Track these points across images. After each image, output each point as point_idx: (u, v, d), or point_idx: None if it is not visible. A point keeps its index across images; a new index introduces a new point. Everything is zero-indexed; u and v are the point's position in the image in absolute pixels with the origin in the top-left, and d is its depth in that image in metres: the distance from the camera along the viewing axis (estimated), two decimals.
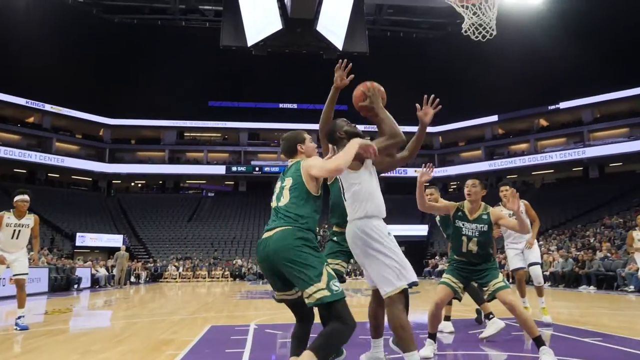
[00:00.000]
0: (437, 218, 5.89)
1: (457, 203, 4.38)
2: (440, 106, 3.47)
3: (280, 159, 42.59)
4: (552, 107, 38.03)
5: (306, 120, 42.48)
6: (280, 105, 44.19)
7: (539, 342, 3.64)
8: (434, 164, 40.14)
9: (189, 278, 26.08)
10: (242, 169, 41.15)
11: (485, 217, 4.21)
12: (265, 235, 2.91)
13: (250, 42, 10.35)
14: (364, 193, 3.10)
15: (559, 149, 37.33)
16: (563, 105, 37.50)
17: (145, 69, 39.13)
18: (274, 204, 3.07)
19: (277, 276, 2.86)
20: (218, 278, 26.32)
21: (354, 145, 3.00)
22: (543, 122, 40.47)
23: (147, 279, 25.30)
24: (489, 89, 37.29)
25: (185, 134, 44.50)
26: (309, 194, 2.96)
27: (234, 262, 27.93)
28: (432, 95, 3.52)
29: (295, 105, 44.31)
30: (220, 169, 41.30)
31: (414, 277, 3.02)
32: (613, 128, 36.01)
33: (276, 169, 40.87)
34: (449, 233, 4.60)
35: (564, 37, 31.95)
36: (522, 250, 6.24)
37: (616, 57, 32.28)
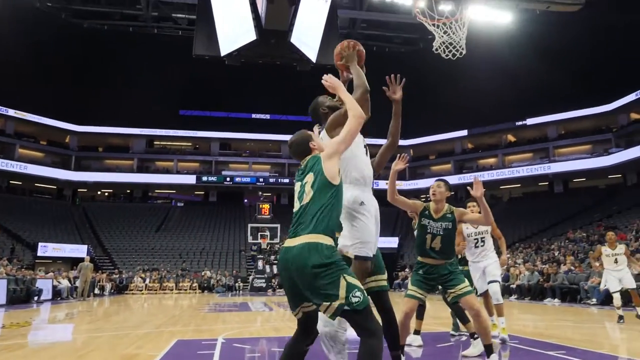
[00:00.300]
0: (414, 225, 5.90)
1: (425, 203, 4.44)
2: (404, 79, 3.67)
3: (251, 169, 42.39)
4: (520, 123, 39.05)
5: (279, 131, 42.83)
6: (253, 116, 44.08)
7: (489, 350, 3.93)
8: (405, 177, 40.84)
9: (156, 290, 25.52)
10: (213, 178, 40.71)
11: (449, 215, 4.29)
12: (288, 243, 2.76)
13: (224, 51, 10.28)
14: None
15: (525, 164, 38.26)
16: (530, 121, 38.55)
17: (116, 75, 38.52)
18: (296, 206, 2.92)
19: (295, 288, 2.72)
20: (186, 290, 25.84)
21: (345, 92, 3.10)
22: (511, 138, 41.47)
23: (112, 290, 24.63)
24: (459, 104, 38.07)
25: (155, 143, 43.82)
26: (331, 186, 2.88)
27: (203, 273, 27.50)
28: (398, 75, 3.74)
29: (268, 116, 44.27)
30: (191, 179, 40.76)
31: None
32: (577, 145, 37.17)
33: (247, 180, 40.62)
34: None
35: (531, 56, 32.96)
36: (483, 269, 6.03)
37: (581, 77, 33.42)
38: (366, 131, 3.38)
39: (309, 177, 2.94)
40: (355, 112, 2.96)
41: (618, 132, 35.05)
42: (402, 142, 42.70)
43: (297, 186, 3.01)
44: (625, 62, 31.66)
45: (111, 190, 42.34)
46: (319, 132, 3.53)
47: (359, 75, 3.43)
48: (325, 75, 3.26)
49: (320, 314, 2.84)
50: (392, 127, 3.74)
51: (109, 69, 38.49)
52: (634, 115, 35.08)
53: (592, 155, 35.49)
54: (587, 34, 29.80)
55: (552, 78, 33.56)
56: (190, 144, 44.53)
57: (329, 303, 2.56)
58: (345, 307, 2.56)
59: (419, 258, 4.36)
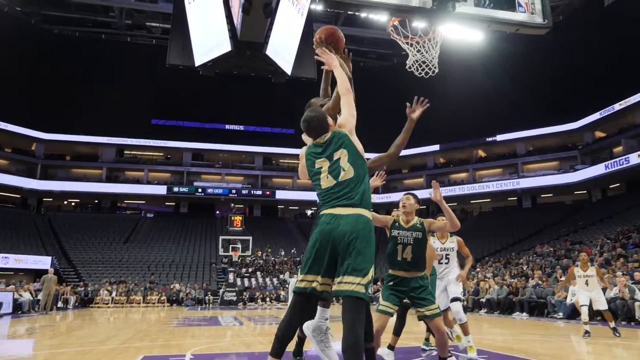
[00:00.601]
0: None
1: (395, 217, 4.51)
2: (428, 104, 3.82)
3: (224, 181, 41.99)
4: (490, 139, 39.86)
5: (253, 143, 42.68)
6: (227, 127, 43.78)
7: None
8: (378, 190, 41.07)
9: (123, 303, 24.86)
10: (184, 189, 40.15)
11: (419, 225, 4.36)
12: (336, 211, 2.83)
13: (198, 62, 10.16)
14: None
15: (495, 179, 39.00)
16: (500, 137, 39.39)
17: (86, 83, 37.79)
18: (331, 182, 2.94)
19: (329, 258, 2.76)
20: (154, 303, 25.25)
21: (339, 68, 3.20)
22: (481, 153, 42.27)
23: (76, 304, 23.88)
24: (432, 119, 38.36)
25: (125, 152, 43.04)
26: (363, 160, 2.99)
27: (172, 286, 26.94)
28: (422, 98, 3.86)
29: (241, 127, 44.04)
30: (161, 189, 40.11)
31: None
32: (544, 161, 38.14)
33: (220, 191, 40.20)
34: None
35: (502, 74, 33.81)
36: (445, 286, 5.99)
37: (549, 95, 34.41)
38: None
39: (341, 154, 2.98)
40: (347, 87, 3.13)
41: (583, 150, 36.13)
42: (375, 156, 43.24)
43: (323, 163, 3.01)
44: (590, 83, 32.76)
45: (78, 200, 41.31)
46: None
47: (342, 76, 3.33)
48: (320, 49, 3.40)
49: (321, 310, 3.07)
50: (400, 139, 3.97)
51: (79, 76, 37.74)
52: (598, 134, 36.28)
53: (559, 172, 36.44)
54: (555, 54, 30.75)
55: (521, 96, 34.48)
56: (161, 154, 43.90)
57: (359, 279, 2.64)
58: (360, 294, 2.63)
59: (390, 270, 4.37)
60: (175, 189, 39.99)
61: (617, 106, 32.60)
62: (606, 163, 32.16)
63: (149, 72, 34.72)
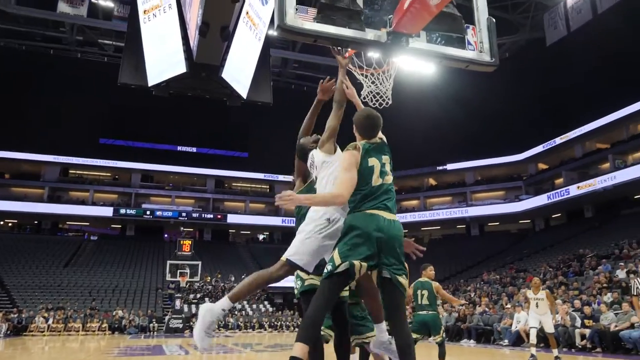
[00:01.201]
0: None
1: None
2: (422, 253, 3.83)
3: (174, 203, 40.96)
4: (440, 167, 40.99)
5: (205, 165, 42.01)
6: (179, 148, 42.91)
7: None
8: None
9: (60, 331, 23.45)
10: (132, 211, 38.79)
11: None
12: (386, 215, 3.14)
13: (152, 81, 9.95)
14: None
15: (445, 207, 39.97)
16: (450, 166, 40.57)
17: (32, 99, 36.31)
18: (379, 181, 3.23)
19: (374, 253, 3.02)
20: (94, 331, 23.95)
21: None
22: (432, 181, 43.32)
23: (8, 331, 22.31)
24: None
25: (70, 171, 41.32)
26: None
27: (114, 313, 25.69)
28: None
29: (194, 149, 43.30)
30: (107, 211, 38.57)
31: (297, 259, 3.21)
32: (491, 190, 39.50)
33: (169, 214, 39.13)
34: None
35: (453, 105, 35.09)
36: None
37: (496, 127, 35.86)
38: None
39: (387, 160, 3.38)
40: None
41: (527, 181, 37.69)
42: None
43: (375, 162, 3.28)
44: (534, 116, 34.48)
45: (16, 221, 39.16)
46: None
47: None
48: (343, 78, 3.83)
49: (377, 327, 3.41)
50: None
51: (25, 92, 36.24)
52: (541, 165, 38.02)
53: (505, 201, 37.78)
54: (502, 88, 32.20)
55: (471, 127, 35.84)
56: (109, 174, 42.43)
57: (404, 273, 3.05)
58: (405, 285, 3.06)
59: None
60: (122, 211, 38.58)
61: (558, 140, 34.36)
62: (548, 194, 33.63)
63: (99, 90, 33.76)
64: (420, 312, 6.56)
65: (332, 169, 3.44)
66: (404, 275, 3.06)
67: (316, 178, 3.59)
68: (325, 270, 3.06)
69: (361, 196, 3.17)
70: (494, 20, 4.89)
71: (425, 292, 6.58)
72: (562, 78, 32.04)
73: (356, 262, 2.98)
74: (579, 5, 27.32)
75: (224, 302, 3.28)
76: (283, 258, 3.26)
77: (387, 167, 3.33)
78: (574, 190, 31.31)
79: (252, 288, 3.34)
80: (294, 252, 3.26)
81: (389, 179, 3.29)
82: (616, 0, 25.29)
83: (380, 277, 3.09)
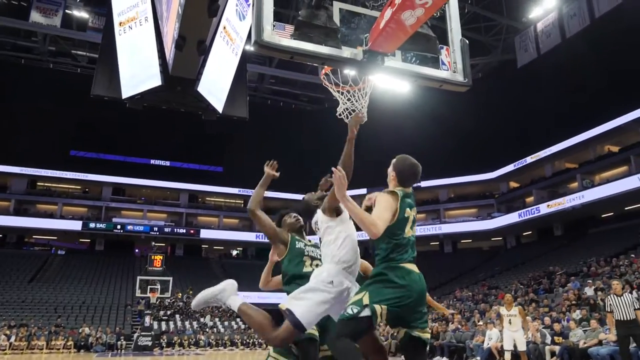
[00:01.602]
0: None
1: None
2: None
3: (146, 217, 40.24)
4: (415, 184, 41.30)
5: (179, 179, 41.49)
6: (152, 162, 42.32)
7: None
8: (306, 231, 41.02)
9: (22, 349, 22.57)
10: (102, 225, 37.93)
11: None
12: (415, 269, 3.17)
13: (126, 94, 9.82)
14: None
15: (419, 224, 40.24)
16: (424, 184, 40.94)
17: (0, 107, 35.39)
18: (410, 232, 3.24)
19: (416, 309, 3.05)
20: (59, 349, 23.13)
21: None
22: None
23: None
24: (360, 164, 39.38)
25: (38, 184, 40.26)
26: None
27: (81, 330, 24.89)
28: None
29: (167, 163, 42.77)
30: (76, 225, 37.60)
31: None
32: (464, 208, 40.04)
33: (140, 228, 38.39)
34: None
35: (428, 123, 35.68)
36: None
37: (470, 146, 36.53)
38: None
39: (415, 212, 3.35)
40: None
41: (499, 199, 38.35)
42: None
43: (410, 213, 3.26)
44: (506, 135, 35.24)
45: None
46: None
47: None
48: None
49: None
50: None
51: None
52: (513, 184, 38.76)
53: (478, 219, 38.32)
54: (476, 108, 32.87)
55: (445, 144, 36.43)
56: (79, 187, 41.50)
57: (427, 326, 3.06)
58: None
59: None
60: (92, 225, 37.68)
61: (529, 159, 35.14)
62: (519, 212, 34.26)
63: (71, 101, 33.13)
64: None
65: (334, 235, 3.46)
66: (427, 328, 3.06)
67: (320, 240, 3.60)
68: (350, 312, 2.96)
69: (393, 245, 3.11)
70: (467, 41, 5.01)
71: None
72: (533, 99, 32.96)
73: (378, 307, 2.92)
74: (548, 29, 28.23)
75: (235, 299, 3.36)
76: (291, 315, 3.16)
77: (414, 219, 3.35)
78: (544, 208, 31.98)
79: (252, 324, 3.37)
80: (306, 315, 3.17)
81: (414, 230, 3.32)
82: (582, 27, 26.25)
83: (407, 335, 3.04)
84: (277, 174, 4.05)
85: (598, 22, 25.38)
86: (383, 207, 3.13)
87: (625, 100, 27.53)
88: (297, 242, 3.93)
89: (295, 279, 3.75)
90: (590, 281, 19.09)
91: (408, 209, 3.23)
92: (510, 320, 8.91)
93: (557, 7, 27.34)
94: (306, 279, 3.51)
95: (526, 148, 34.56)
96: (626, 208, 29.64)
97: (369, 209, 3.45)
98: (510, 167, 36.81)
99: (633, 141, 29.21)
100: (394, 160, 3.62)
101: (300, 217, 4.14)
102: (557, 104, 31.36)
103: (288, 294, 3.50)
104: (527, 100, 33.40)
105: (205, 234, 40.39)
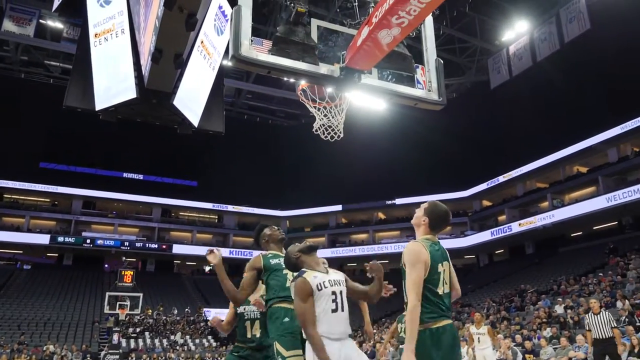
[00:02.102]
0: None
1: None
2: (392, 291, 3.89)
3: (117, 232, 39.39)
4: (390, 202, 41.63)
5: (152, 193, 40.84)
6: (124, 175, 41.61)
7: None
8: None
9: None
10: (71, 240, 36.95)
11: None
12: (452, 326, 3.03)
13: (99, 105, 9.64)
14: None
15: (393, 241, 40.44)
16: (398, 201, 41.26)
17: None
18: (444, 288, 3.06)
19: None
20: None
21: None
22: (381, 215, 43.86)
23: None
24: (336, 180, 39.78)
25: (5, 196, 39.09)
26: None
27: (45, 348, 24.02)
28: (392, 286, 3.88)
29: (141, 177, 42.09)
30: (44, 239, 36.54)
31: None
32: None
33: (111, 243, 37.55)
34: None
35: (402, 141, 36.15)
36: None
37: (444, 164, 37.05)
38: None
39: (448, 266, 3.18)
40: None
41: (472, 217, 38.85)
42: (278, 213, 43.42)
43: (443, 268, 3.11)
44: (480, 155, 35.88)
45: None
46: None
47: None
48: None
49: None
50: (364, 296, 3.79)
51: None
52: (485, 202, 39.35)
53: (451, 237, 38.67)
54: (450, 127, 33.44)
55: (419, 162, 36.88)
56: (48, 200, 40.45)
57: None
58: None
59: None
60: (60, 239, 36.68)
61: (502, 178, 35.80)
62: (492, 230, 34.75)
63: (43, 112, 32.50)
64: (402, 345, 6.62)
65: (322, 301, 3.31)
66: None
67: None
68: None
69: (429, 303, 3.01)
70: (441, 61, 5.10)
71: (403, 325, 6.68)
72: (505, 119, 33.72)
73: None
74: (520, 52, 29.03)
75: None
76: None
77: (448, 274, 3.18)
78: (516, 227, 32.52)
79: None
80: None
81: (448, 287, 3.14)
82: (552, 51, 27.10)
83: None
84: (219, 260, 3.94)
85: (568, 46, 26.23)
86: (411, 264, 3.19)
87: (593, 122, 28.43)
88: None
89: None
90: (560, 299, 19.40)
91: (440, 264, 3.17)
92: (479, 338, 9.04)
93: (528, 31, 28.17)
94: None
95: (498, 167, 35.21)
96: (594, 227, 30.38)
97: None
98: (483, 186, 37.40)
99: (601, 162, 30.09)
100: (425, 206, 3.55)
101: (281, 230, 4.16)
102: (529, 125, 32.14)
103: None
104: (499, 121, 34.13)
105: (177, 249, 39.72)
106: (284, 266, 3.74)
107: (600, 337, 8.20)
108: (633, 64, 26.42)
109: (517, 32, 28.57)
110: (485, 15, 28.36)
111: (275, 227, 4.09)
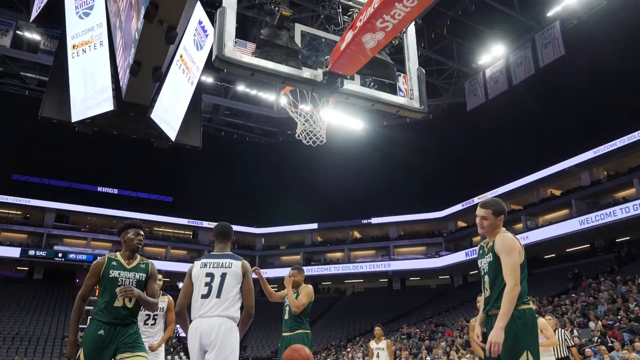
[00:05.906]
0: None
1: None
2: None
3: (90, 247, 38.56)
4: (365, 221, 41.77)
5: (126, 208, 40.16)
6: (99, 189, 40.95)
7: None
8: (255, 264, 40.38)
9: None
10: (42, 253, 36.00)
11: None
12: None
13: (76, 117, 9.56)
14: None
15: (368, 260, 40.49)
16: (374, 220, 41.45)
17: None
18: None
19: None
20: None
21: None
22: (357, 234, 43.95)
23: None
24: (312, 198, 39.81)
25: None
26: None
27: None
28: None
29: (115, 191, 41.48)
30: (14, 252, 35.51)
31: None
32: (413, 245, 40.65)
33: (83, 257, 36.71)
34: None
35: (379, 161, 36.48)
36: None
37: (420, 184, 37.44)
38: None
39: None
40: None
41: (447, 237, 39.21)
42: (253, 230, 43.15)
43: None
44: (455, 175, 36.39)
45: None
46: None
47: None
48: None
49: None
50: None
51: None
52: (460, 223, 39.79)
53: (426, 257, 38.94)
54: (426, 147, 33.93)
55: (396, 183, 37.25)
56: (20, 212, 39.47)
57: None
58: None
59: None
60: (31, 252, 35.70)
61: (476, 199, 36.25)
62: (466, 251, 35.08)
63: (16, 124, 31.90)
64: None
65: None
66: None
67: None
68: None
69: (521, 288, 3.42)
70: (423, 70, 5.22)
71: None
72: (481, 141, 34.36)
73: None
74: (496, 76, 29.73)
75: None
76: None
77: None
78: None
79: None
80: None
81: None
82: (527, 75, 27.82)
83: None
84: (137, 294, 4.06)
85: (543, 71, 26.94)
86: (512, 249, 3.65)
87: (567, 146, 29.20)
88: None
89: None
90: None
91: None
92: (378, 353, 9.28)
93: (504, 55, 28.90)
94: None
95: (474, 189, 35.72)
96: (567, 250, 30.95)
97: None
98: (458, 207, 37.87)
99: (575, 185, 30.79)
100: (490, 206, 3.91)
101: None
102: (504, 147, 32.79)
103: None
104: (474, 143, 34.77)
105: None
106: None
107: (557, 356, 8.31)
108: (606, 90, 27.30)
109: (493, 56, 29.28)
110: (462, 38, 29.01)
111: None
